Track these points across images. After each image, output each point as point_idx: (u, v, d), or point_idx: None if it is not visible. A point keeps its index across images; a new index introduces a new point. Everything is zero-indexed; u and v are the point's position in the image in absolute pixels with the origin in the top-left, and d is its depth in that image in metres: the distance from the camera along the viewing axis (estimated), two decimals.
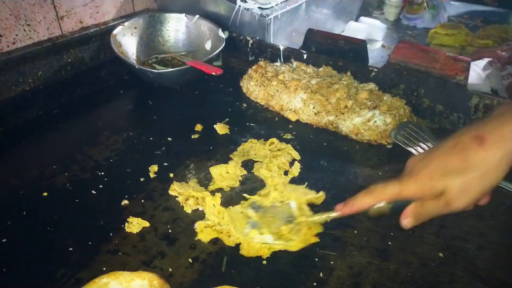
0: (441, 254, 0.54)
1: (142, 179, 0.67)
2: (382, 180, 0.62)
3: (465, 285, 0.50)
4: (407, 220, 0.49)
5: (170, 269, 0.52)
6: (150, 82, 0.92)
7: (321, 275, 0.51)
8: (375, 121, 0.74)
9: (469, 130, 0.47)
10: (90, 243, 0.55)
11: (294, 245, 0.54)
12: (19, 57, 0.83)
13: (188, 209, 0.61)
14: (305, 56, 0.92)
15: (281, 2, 1.04)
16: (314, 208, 0.58)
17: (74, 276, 0.50)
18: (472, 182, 0.46)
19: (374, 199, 0.51)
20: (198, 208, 0.61)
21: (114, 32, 0.93)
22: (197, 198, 0.62)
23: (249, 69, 0.92)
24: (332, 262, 0.53)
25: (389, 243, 0.55)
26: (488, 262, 0.53)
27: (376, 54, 1.26)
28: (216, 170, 0.67)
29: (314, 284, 0.50)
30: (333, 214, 0.51)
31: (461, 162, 0.47)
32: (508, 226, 0.58)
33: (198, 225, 0.58)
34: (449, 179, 0.47)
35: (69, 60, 0.93)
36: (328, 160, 0.71)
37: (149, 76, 0.88)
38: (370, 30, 1.33)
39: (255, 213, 0.58)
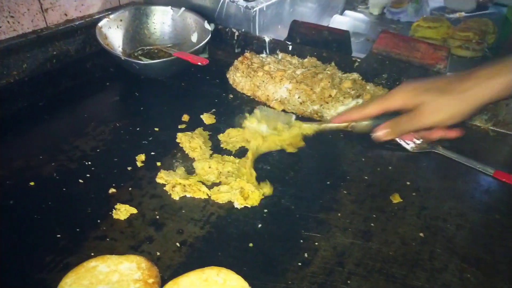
0: (421, 234, 0.56)
1: (129, 168, 0.67)
2: (365, 166, 0.66)
3: (443, 262, 0.52)
4: (383, 131, 0.60)
5: (158, 253, 0.52)
6: (136, 74, 0.92)
7: (306, 255, 0.52)
8: None
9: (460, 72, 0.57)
10: (78, 230, 0.56)
11: (284, 140, 0.66)
12: (3, 49, 0.83)
13: (175, 196, 0.62)
14: (290, 47, 0.93)
15: None
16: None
17: (62, 261, 0.51)
18: (446, 102, 0.54)
19: (365, 111, 0.61)
20: (185, 195, 0.62)
21: (100, 24, 0.93)
22: (184, 185, 0.62)
23: (235, 60, 0.93)
24: (316, 243, 0.54)
25: (372, 224, 0.57)
26: (466, 241, 0.55)
27: (360, 47, 1.27)
28: (199, 165, 0.67)
29: (299, 264, 0.51)
30: (327, 125, 0.65)
31: (445, 85, 0.55)
32: (486, 206, 0.61)
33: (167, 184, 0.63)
34: (429, 94, 0.55)
35: (54, 52, 0.93)
36: (312, 146, 0.73)
37: (135, 67, 0.88)
38: (354, 24, 1.35)
39: (259, 112, 0.70)
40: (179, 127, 0.78)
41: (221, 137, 0.75)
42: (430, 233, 0.56)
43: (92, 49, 0.99)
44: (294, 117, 0.70)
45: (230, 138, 0.74)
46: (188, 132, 0.75)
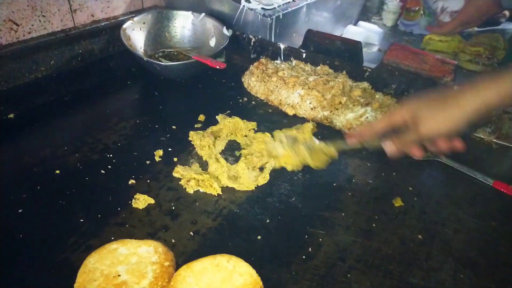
0: (420, 236, 0.59)
1: (147, 162, 0.72)
2: (370, 171, 0.70)
3: (439, 262, 0.55)
4: (389, 148, 0.65)
5: (173, 240, 0.57)
6: (156, 75, 0.97)
7: (310, 250, 0.56)
8: (367, 117, 0.80)
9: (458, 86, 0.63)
10: (99, 215, 0.60)
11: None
12: (33, 46, 0.88)
13: (190, 190, 0.66)
14: (304, 55, 0.98)
15: (283, 4, 1.09)
16: None
17: (84, 243, 0.55)
18: (438, 111, 0.58)
19: (373, 129, 0.66)
20: (199, 190, 0.66)
21: (124, 26, 0.98)
22: (198, 180, 0.67)
23: (251, 65, 0.97)
24: (320, 239, 0.58)
25: (373, 224, 0.61)
26: (462, 244, 0.58)
27: (373, 57, 1.31)
28: (213, 165, 0.71)
29: (304, 257, 0.55)
30: (346, 146, 0.70)
31: (437, 97, 0.60)
32: (483, 214, 0.64)
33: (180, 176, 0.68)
34: (424, 108, 0.60)
35: (80, 51, 0.98)
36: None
37: (156, 68, 0.93)
38: (367, 34, 1.38)
39: (286, 139, 0.75)
40: (195, 126, 0.82)
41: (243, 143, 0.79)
42: (428, 235, 0.59)
43: (115, 49, 1.05)
44: (317, 141, 0.75)
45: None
46: (200, 131, 0.79)
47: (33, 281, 0.50)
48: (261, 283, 0.48)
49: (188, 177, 0.67)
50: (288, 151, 0.73)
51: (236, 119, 0.81)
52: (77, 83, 0.94)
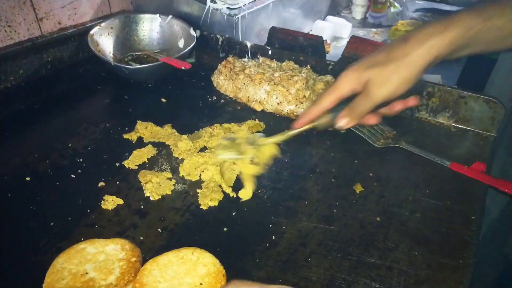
0: (378, 218, 0.62)
1: (117, 164, 0.73)
2: (333, 160, 0.71)
3: (395, 242, 0.58)
4: (343, 120, 0.58)
5: (142, 238, 0.59)
6: (126, 78, 0.99)
7: (273, 238, 0.58)
8: None
9: (400, 37, 0.56)
10: (69, 218, 0.62)
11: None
12: (1, 56, 0.89)
13: (146, 193, 0.67)
14: (270, 52, 1.00)
15: (248, 3, 1.11)
16: None
17: (55, 245, 0.57)
18: (391, 73, 0.53)
19: (320, 107, 0.59)
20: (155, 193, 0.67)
21: (91, 32, 0.99)
22: (153, 183, 0.68)
23: (219, 64, 0.99)
24: (283, 227, 0.60)
25: (334, 210, 0.63)
26: (418, 224, 0.61)
27: (342, 50, 1.34)
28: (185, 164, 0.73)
29: (267, 245, 0.57)
30: (291, 132, 0.62)
31: (385, 57, 0.54)
32: (439, 194, 0.67)
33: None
34: (371, 70, 0.54)
35: (49, 59, 0.99)
36: (286, 143, 0.79)
37: (125, 72, 0.94)
38: (336, 28, 1.42)
39: (227, 141, 0.67)
40: (165, 127, 0.84)
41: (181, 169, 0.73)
42: (386, 217, 0.62)
43: (84, 55, 1.05)
44: (258, 135, 0.67)
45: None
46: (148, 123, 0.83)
47: (2, 285, 0.51)
48: (223, 271, 0.50)
49: (146, 180, 0.68)
50: (237, 159, 0.66)
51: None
52: (47, 90, 0.95)
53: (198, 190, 0.67)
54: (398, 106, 0.61)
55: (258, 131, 0.83)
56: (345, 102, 0.58)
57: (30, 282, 0.51)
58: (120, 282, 0.49)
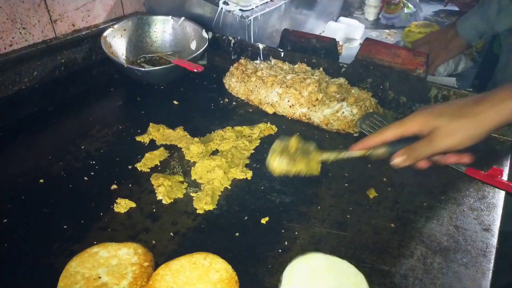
0: (392, 225, 0.61)
1: (130, 167, 0.74)
2: (346, 164, 0.70)
3: (410, 249, 0.57)
4: (400, 158, 0.59)
5: (154, 242, 0.58)
6: (138, 80, 0.99)
7: (286, 243, 0.58)
8: (343, 112, 0.82)
9: (471, 96, 0.59)
10: (82, 221, 0.62)
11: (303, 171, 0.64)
12: (15, 58, 0.90)
13: (159, 196, 0.66)
14: (282, 54, 0.99)
15: (261, 4, 1.11)
16: None
17: (68, 249, 0.57)
18: (460, 126, 0.55)
19: (381, 137, 0.61)
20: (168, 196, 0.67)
21: (105, 34, 1.00)
22: (165, 186, 0.67)
23: (231, 66, 0.99)
24: (296, 233, 0.60)
25: (348, 216, 0.63)
26: (433, 231, 0.60)
27: (355, 52, 1.33)
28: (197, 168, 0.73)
29: (280, 250, 0.57)
30: (345, 153, 0.63)
31: (457, 109, 0.56)
32: (455, 200, 0.66)
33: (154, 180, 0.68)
34: (442, 119, 0.56)
35: (63, 60, 1.00)
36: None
37: (137, 74, 0.95)
38: (348, 30, 1.40)
39: (280, 146, 0.65)
40: (177, 130, 0.84)
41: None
42: (400, 224, 0.61)
43: (98, 57, 1.06)
44: (313, 145, 0.66)
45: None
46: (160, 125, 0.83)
47: (15, 286, 0.52)
48: (236, 278, 0.50)
49: (158, 183, 0.68)
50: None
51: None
52: (60, 92, 0.96)
53: (193, 194, 0.67)
54: (452, 159, 0.62)
55: (269, 135, 0.82)
56: (406, 140, 0.60)
57: (43, 284, 0.51)
58: (133, 286, 0.49)
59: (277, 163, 0.63)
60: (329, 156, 0.64)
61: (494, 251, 0.57)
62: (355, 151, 0.63)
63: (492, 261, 0.56)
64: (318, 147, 0.66)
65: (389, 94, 0.88)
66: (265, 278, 0.53)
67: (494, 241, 0.59)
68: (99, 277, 0.49)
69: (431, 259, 0.56)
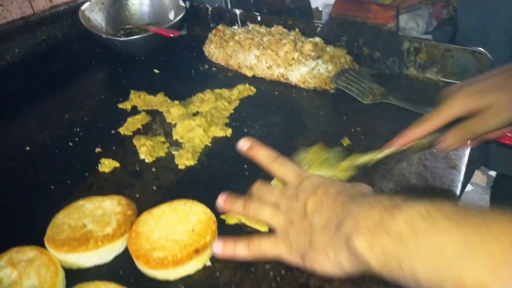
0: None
1: (113, 131, 0.76)
2: (322, 118, 0.72)
3: (380, 187, 0.60)
4: (452, 138, 0.55)
5: (138, 195, 0.61)
6: (119, 52, 1.00)
7: None
8: (319, 69, 0.84)
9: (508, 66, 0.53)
10: (68, 182, 0.65)
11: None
12: None
13: (141, 155, 0.69)
14: (259, 18, 1.01)
15: None
16: None
17: (55, 206, 0.59)
18: (510, 99, 0.50)
19: (426, 128, 0.56)
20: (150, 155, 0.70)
21: (82, 8, 1.01)
22: (147, 146, 0.70)
23: (210, 34, 1.00)
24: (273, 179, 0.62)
25: None
26: (403, 171, 0.63)
27: None
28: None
29: None
30: (386, 151, 0.59)
31: (504, 82, 0.51)
32: None
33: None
34: (493, 95, 0.51)
35: (43, 37, 1.01)
36: (277, 105, 0.81)
37: (117, 45, 0.96)
38: None
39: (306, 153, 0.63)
40: (158, 96, 0.86)
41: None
42: (372, 167, 0.64)
43: (78, 31, 1.07)
44: (339, 150, 0.64)
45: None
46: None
47: (7, 241, 0.54)
48: (214, 218, 0.53)
49: (140, 143, 0.71)
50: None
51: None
52: (42, 68, 0.97)
53: (174, 152, 0.69)
54: (495, 134, 0.58)
55: (248, 96, 0.84)
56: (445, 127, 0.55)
57: (32, 238, 0.54)
58: (117, 232, 0.51)
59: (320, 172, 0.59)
60: (371, 158, 0.60)
61: (459, 185, 0.60)
62: (394, 148, 0.58)
63: (458, 194, 0.59)
64: (345, 151, 0.63)
65: (364, 51, 0.90)
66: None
67: (461, 177, 0.62)
68: (85, 226, 0.52)
69: (399, 194, 0.59)
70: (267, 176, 0.62)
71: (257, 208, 0.48)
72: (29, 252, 0.49)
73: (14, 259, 0.48)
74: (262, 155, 0.52)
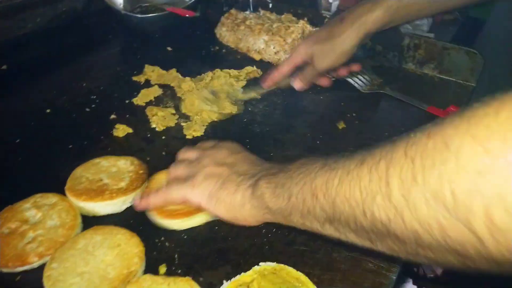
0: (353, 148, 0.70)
1: (127, 101, 0.82)
2: (321, 102, 0.79)
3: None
4: (297, 81, 0.78)
5: (148, 158, 0.67)
6: (134, 29, 1.06)
7: None
8: None
9: (339, 15, 0.72)
10: (85, 142, 0.71)
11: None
12: (19, 5, 0.96)
13: (153, 124, 0.75)
14: (270, 5, 1.06)
15: None
16: None
17: (74, 163, 0.65)
18: (329, 49, 0.69)
19: (281, 71, 0.78)
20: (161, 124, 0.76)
21: None
22: (159, 116, 0.76)
23: (222, 17, 1.06)
24: (271, 154, 0.68)
25: (317, 142, 0.71)
26: None
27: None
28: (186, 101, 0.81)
29: None
30: (261, 90, 0.82)
31: (325, 34, 0.70)
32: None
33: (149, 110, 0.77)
34: (315, 46, 0.70)
35: (64, 9, 1.06)
36: (281, 88, 0.86)
37: (133, 21, 1.01)
38: None
39: (210, 95, 0.81)
40: (170, 71, 0.92)
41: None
42: (360, 148, 0.70)
43: (97, 6, 1.12)
44: (239, 90, 0.84)
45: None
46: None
47: (30, 192, 0.60)
48: None
49: (153, 113, 0.77)
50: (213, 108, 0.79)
51: None
52: (61, 38, 1.02)
53: (183, 124, 0.75)
54: (343, 72, 0.79)
55: (254, 78, 0.90)
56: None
57: (53, 187, 0.60)
58: (129, 187, 0.58)
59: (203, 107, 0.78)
60: (247, 95, 0.82)
61: None
62: (265, 87, 0.81)
63: None
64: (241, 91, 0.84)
65: (367, 43, 0.95)
66: None
67: None
68: (101, 180, 0.59)
69: None
70: (267, 149, 0.68)
71: (171, 186, 0.54)
72: (51, 198, 0.55)
73: (38, 203, 0.55)
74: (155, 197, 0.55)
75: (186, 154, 0.59)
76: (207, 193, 0.49)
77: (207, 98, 0.80)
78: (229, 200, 0.48)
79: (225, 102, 0.80)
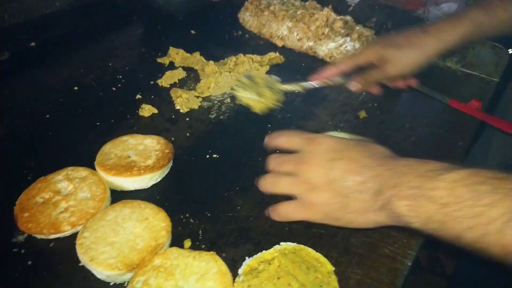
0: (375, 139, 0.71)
1: (151, 82, 0.84)
2: (343, 91, 0.80)
3: None
4: (355, 84, 0.73)
5: (173, 138, 0.69)
6: (159, 10, 1.07)
7: None
8: (346, 47, 0.89)
9: (420, 26, 0.69)
10: (112, 121, 0.73)
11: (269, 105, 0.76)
12: None
13: (177, 106, 0.76)
14: None
15: None
16: None
17: (101, 139, 0.67)
18: (405, 55, 0.66)
19: (338, 68, 0.73)
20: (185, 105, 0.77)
21: None
22: (182, 98, 0.78)
23: (246, 2, 1.06)
24: None
25: (338, 130, 0.72)
26: (411, 146, 0.70)
27: None
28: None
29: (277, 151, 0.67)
30: (307, 83, 0.77)
31: (403, 41, 0.67)
32: (434, 124, 0.75)
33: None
34: (390, 49, 0.67)
35: None
36: (303, 75, 0.87)
37: (158, 3, 1.02)
38: None
39: (246, 79, 0.80)
40: (194, 54, 0.93)
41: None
42: (382, 139, 0.70)
43: None
44: (275, 79, 0.80)
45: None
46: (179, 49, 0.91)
47: (60, 164, 0.62)
48: None
49: (177, 95, 0.78)
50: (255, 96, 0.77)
51: None
52: (88, 17, 1.04)
53: (206, 106, 0.78)
54: (399, 83, 0.75)
55: (277, 64, 0.91)
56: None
57: (83, 162, 0.62)
58: (156, 165, 0.60)
59: (242, 95, 0.77)
60: (290, 86, 0.78)
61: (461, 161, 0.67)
62: (315, 82, 0.75)
63: None
64: (280, 80, 0.80)
65: (391, 34, 0.94)
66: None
67: (462, 156, 0.69)
68: (129, 157, 0.61)
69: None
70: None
71: (274, 183, 0.49)
72: (82, 171, 0.58)
73: (70, 175, 0.57)
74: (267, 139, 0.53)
75: (290, 142, 0.52)
76: (326, 211, 0.46)
77: (243, 82, 0.79)
78: (355, 220, 0.45)
79: (264, 89, 0.78)
